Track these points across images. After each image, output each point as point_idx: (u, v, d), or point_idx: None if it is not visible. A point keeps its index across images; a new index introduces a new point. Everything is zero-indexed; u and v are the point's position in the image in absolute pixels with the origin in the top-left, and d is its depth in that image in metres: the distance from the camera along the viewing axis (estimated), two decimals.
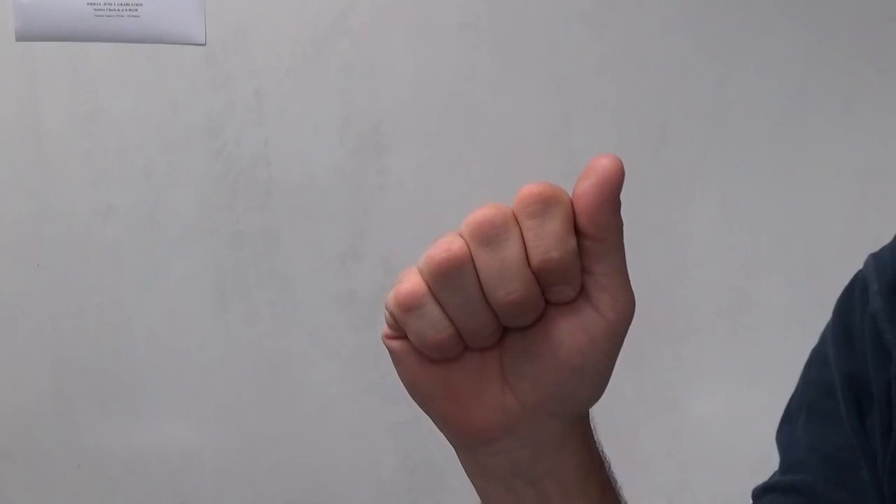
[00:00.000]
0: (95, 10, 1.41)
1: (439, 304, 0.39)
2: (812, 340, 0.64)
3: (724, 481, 1.50)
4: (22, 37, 1.41)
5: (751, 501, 0.63)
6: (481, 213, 0.39)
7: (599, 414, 0.46)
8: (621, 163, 0.38)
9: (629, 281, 0.40)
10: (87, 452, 1.50)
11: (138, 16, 1.42)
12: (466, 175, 1.47)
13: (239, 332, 1.49)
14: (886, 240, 0.60)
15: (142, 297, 1.48)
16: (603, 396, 0.43)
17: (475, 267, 0.39)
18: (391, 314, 0.41)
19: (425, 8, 1.45)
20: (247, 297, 1.48)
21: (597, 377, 0.41)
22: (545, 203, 0.38)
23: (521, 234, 0.39)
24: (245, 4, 1.44)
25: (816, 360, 0.62)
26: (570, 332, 0.40)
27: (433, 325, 0.39)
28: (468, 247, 0.39)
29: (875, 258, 0.59)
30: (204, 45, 1.44)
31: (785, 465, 0.63)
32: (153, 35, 1.42)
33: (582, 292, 0.40)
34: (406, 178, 1.47)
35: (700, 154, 1.48)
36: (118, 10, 1.41)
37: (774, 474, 0.63)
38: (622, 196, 0.39)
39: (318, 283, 1.48)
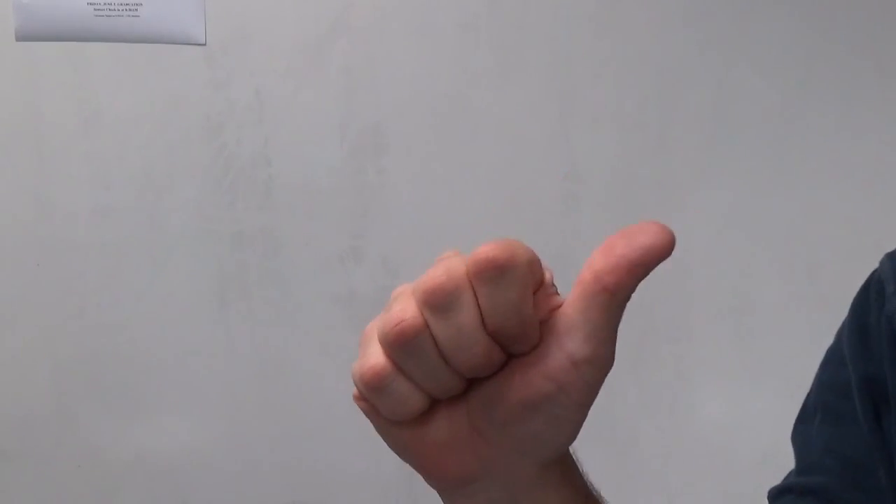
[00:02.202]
0: (95, 10, 1.41)
1: (405, 375, 0.38)
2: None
3: (724, 481, 1.50)
4: (22, 37, 1.41)
5: (765, 502, 0.63)
6: (431, 279, 0.37)
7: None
8: (674, 243, 0.37)
9: (616, 339, 0.39)
10: (87, 452, 1.50)
11: (138, 16, 1.42)
12: (466, 175, 1.47)
13: (239, 333, 1.49)
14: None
15: (142, 297, 1.48)
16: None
17: (432, 335, 0.37)
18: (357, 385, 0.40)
19: (425, 8, 1.45)
20: (247, 297, 1.48)
21: (566, 424, 0.40)
22: (500, 270, 0.36)
23: (475, 298, 0.37)
24: (245, 4, 1.44)
25: (832, 360, 0.62)
26: (537, 379, 0.38)
27: (401, 401, 0.39)
28: (422, 315, 0.37)
29: (891, 258, 0.59)
30: (204, 45, 1.44)
31: (801, 467, 0.62)
32: (153, 35, 1.42)
33: (556, 338, 0.38)
34: (406, 178, 1.47)
35: (700, 154, 1.48)
36: (118, 10, 1.41)
37: (790, 475, 0.63)
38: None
39: (318, 283, 1.48)
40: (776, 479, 0.65)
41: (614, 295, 0.37)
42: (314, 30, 1.45)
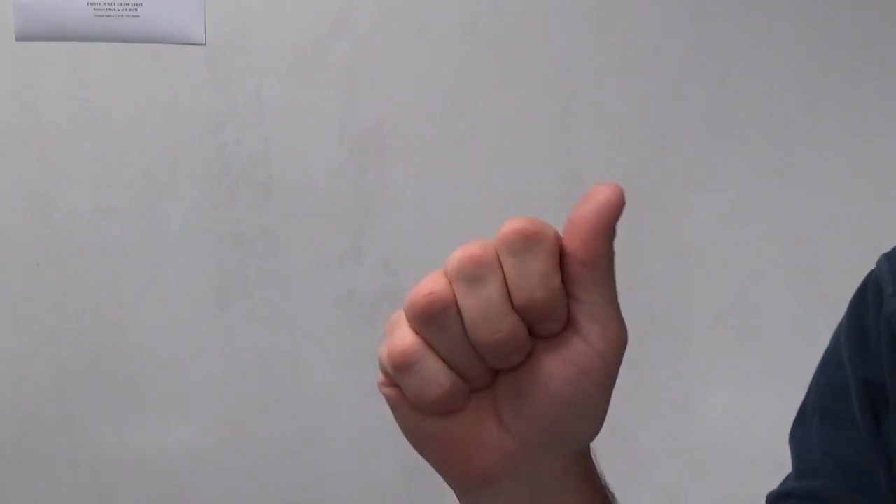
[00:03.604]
0: (95, 10, 1.41)
1: (433, 351, 0.38)
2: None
3: (725, 481, 1.50)
4: (22, 37, 1.41)
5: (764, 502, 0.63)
6: (467, 249, 0.38)
7: None
8: (623, 193, 0.37)
9: (620, 311, 0.39)
10: (87, 452, 1.50)
11: (138, 16, 1.42)
12: (466, 175, 1.47)
13: (239, 333, 1.49)
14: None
15: (142, 297, 1.48)
16: None
17: (458, 308, 0.38)
18: (385, 369, 0.40)
19: (425, 8, 1.45)
20: (247, 297, 1.48)
21: (592, 410, 0.40)
22: (527, 240, 0.37)
23: (503, 275, 0.38)
24: (245, 4, 1.44)
25: (830, 363, 0.62)
26: (560, 365, 0.39)
27: (429, 379, 0.38)
28: (451, 287, 0.38)
29: (888, 259, 0.59)
30: (204, 45, 1.44)
31: (800, 470, 0.62)
32: (153, 35, 1.42)
33: (570, 323, 0.39)
34: (406, 178, 1.47)
35: (701, 155, 1.48)
36: (118, 10, 1.41)
37: (788, 479, 0.63)
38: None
39: (318, 283, 1.48)
40: (777, 479, 0.65)
41: (591, 266, 0.38)
42: (314, 30, 1.45)
